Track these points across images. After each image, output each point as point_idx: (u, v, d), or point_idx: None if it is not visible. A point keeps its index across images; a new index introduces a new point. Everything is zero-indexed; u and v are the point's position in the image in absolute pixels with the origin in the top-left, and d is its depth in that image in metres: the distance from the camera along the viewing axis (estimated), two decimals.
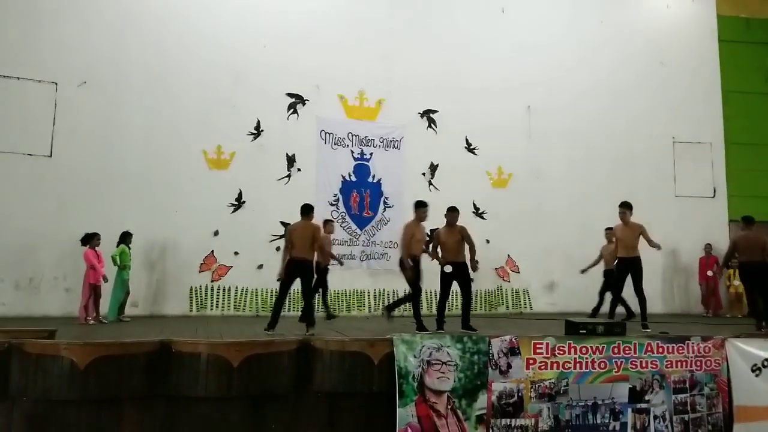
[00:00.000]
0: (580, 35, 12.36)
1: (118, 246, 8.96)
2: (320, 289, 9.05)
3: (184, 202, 10.23)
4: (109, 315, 8.73)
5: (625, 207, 8.37)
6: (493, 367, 5.50)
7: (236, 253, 10.48)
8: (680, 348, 6.06)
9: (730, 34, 13.06)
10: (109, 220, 9.33)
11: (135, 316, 9.23)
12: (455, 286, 7.44)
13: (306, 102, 11.11)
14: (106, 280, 8.61)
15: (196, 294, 10.22)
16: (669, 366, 5.98)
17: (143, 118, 10.27)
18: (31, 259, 9.48)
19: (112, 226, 9.11)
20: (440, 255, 7.45)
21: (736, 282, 11.20)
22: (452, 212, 7.53)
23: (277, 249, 10.58)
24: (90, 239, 8.59)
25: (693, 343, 6.12)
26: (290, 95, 11.06)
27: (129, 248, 9.07)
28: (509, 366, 5.55)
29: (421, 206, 7.73)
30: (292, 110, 11.06)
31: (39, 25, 10.00)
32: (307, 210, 7.49)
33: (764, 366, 6.19)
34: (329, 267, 9.19)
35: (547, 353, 5.68)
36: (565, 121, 11.95)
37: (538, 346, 5.69)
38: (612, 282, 9.02)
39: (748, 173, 12.66)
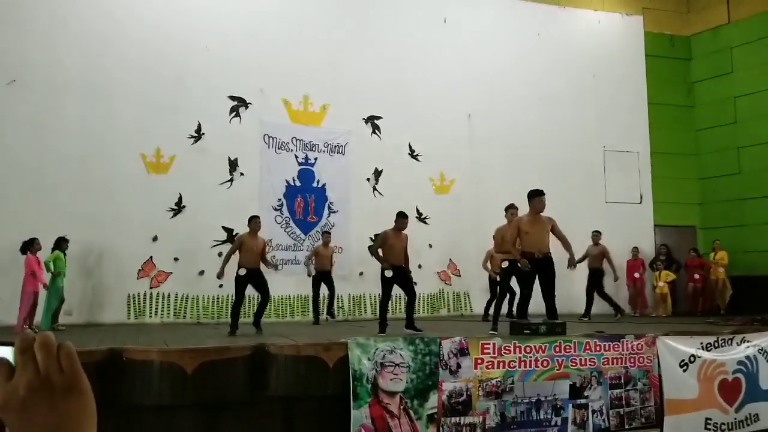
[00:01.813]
0: (517, 46, 12.82)
1: (52, 252, 8.56)
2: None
3: (122, 206, 9.92)
4: (42, 324, 8.32)
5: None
6: (444, 368, 5.65)
7: (176, 259, 10.25)
8: (616, 346, 6.39)
9: (655, 50, 13.89)
10: (43, 226, 8.88)
11: (70, 324, 8.87)
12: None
13: (249, 105, 11.00)
14: (46, 287, 8.27)
15: (135, 301, 9.92)
16: (606, 363, 6.30)
17: (79, 120, 9.89)
18: None
19: (46, 231, 8.68)
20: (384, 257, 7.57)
21: (661, 283, 11.92)
22: (404, 218, 7.69)
23: (219, 254, 10.44)
24: (30, 245, 8.24)
25: (627, 341, 6.47)
26: (233, 98, 10.92)
27: (64, 254, 8.70)
28: (459, 366, 5.71)
29: (536, 195, 7.05)
30: (234, 113, 10.92)
31: None
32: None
33: (691, 361, 6.63)
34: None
35: (494, 353, 5.88)
36: (504, 130, 12.37)
37: (485, 346, 5.88)
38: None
39: (672, 181, 13.50)
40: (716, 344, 6.88)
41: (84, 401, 0.72)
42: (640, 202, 13.33)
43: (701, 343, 6.80)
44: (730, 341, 6.95)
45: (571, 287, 12.26)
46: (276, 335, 7.06)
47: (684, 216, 13.55)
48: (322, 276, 9.89)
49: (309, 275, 9.98)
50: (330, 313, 10.11)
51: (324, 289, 10.03)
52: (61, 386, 0.70)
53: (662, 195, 13.37)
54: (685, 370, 6.66)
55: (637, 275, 12.34)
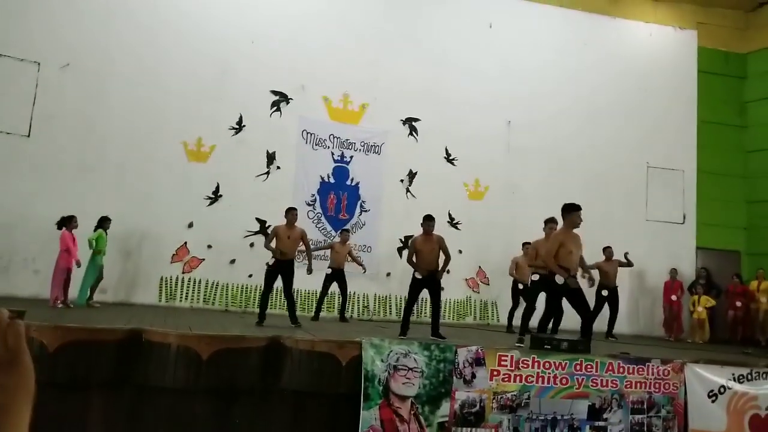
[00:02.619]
0: (564, 56, 12.57)
1: (95, 230, 8.86)
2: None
3: (161, 191, 10.16)
4: (78, 299, 8.61)
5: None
6: (458, 376, 5.58)
7: (209, 247, 10.42)
8: (640, 369, 6.20)
9: (708, 66, 13.40)
10: (83, 205, 9.20)
11: (103, 302, 9.09)
12: (424, 294, 7.56)
13: (290, 101, 11.12)
14: (78, 264, 8.50)
15: (166, 284, 10.14)
16: (628, 386, 6.11)
17: (125, 105, 10.18)
18: (2, 239, 9.32)
19: (86, 210, 8.98)
20: (416, 263, 7.45)
21: (700, 308, 11.49)
22: (429, 221, 7.40)
23: (251, 245, 10.60)
24: (67, 222, 8.50)
25: (653, 366, 6.27)
26: (275, 93, 11.06)
27: (106, 233, 8.97)
28: (473, 376, 5.63)
29: (573, 210, 6.65)
30: (275, 108, 11.05)
31: (26, 4, 9.86)
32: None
33: (720, 392, 6.36)
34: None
35: (511, 366, 5.78)
36: (544, 139, 12.14)
37: (503, 358, 5.78)
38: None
39: (717, 202, 12.99)
40: (749, 377, 6.59)
41: (22, 377, 0.76)
42: (683, 223, 12.90)
43: (733, 374, 6.54)
44: (765, 375, 6.64)
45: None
46: (293, 328, 7.13)
47: (728, 240, 13.03)
48: (336, 274, 9.67)
49: (308, 272, 8.55)
50: (342, 316, 9.80)
51: (334, 288, 9.84)
52: (2, 362, 0.75)
53: (707, 216, 12.88)
54: (713, 401, 6.40)
55: (674, 298, 11.92)
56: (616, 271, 10.54)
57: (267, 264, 8.04)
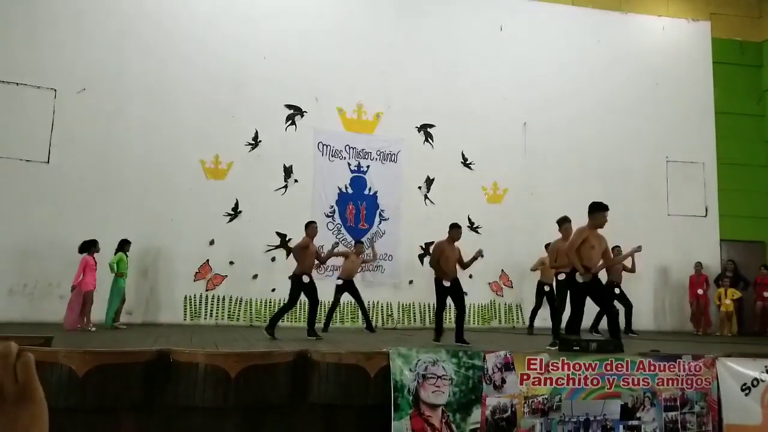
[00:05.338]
0: (576, 54, 12.53)
1: (116, 253, 8.97)
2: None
3: (181, 211, 10.28)
4: (106, 322, 8.74)
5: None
6: (488, 382, 5.53)
7: (231, 263, 10.50)
8: (671, 366, 6.10)
9: (724, 57, 13.29)
10: (105, 228, 9.36)
11: (130, 323, 9.24)
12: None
13: (304, 114, 11.20)
14: (85, 288, 8.50)
15: (191, 303, 10.23)
16: (660, 384, 6.02)
17: (142, 127, 10.33)
18: (26, 265, 9.48)
19: (108, 233, 9.14)
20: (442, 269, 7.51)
21: (727, 301, 11.33)
22: (458, 229, 7.66)
23: (273, 259, 10.66)
24: (89, 247, 8.62)
25: (684, 362, 6.17)
26: (289, 107, 11.14)
27: (127, 256, 9.08)
28: (503, 381, 5.58)
29: (598, 209, 6.55)
30: (290, 122, 11.14)
31: (39, 32, 10.07)
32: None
33: (754, 385, 6.24)
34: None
35: (540, 369, 5.72)
36: (561, 139, 12.09)
37: (532, 361, 5.72)
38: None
39: (739, 193, 12.83)
40: None
41: (36, 411, 0.75)
42: (705, 215, 12.74)
43: (766, 366, 6.40)
44: None
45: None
46: (320, 341, 7.14)
47: (752, 231, 12.84)
48: (347, 285, 9.57)
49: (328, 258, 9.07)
50: (369, 326, 9.44)
51: (346, 298, 9.80)
52: (14, 396, 0.74)
53: (729, 208, 12.73)
54: (747, 394, 6.28)
55: (700, 292, 11.77)
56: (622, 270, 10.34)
57: (300, 279, 7.94)
